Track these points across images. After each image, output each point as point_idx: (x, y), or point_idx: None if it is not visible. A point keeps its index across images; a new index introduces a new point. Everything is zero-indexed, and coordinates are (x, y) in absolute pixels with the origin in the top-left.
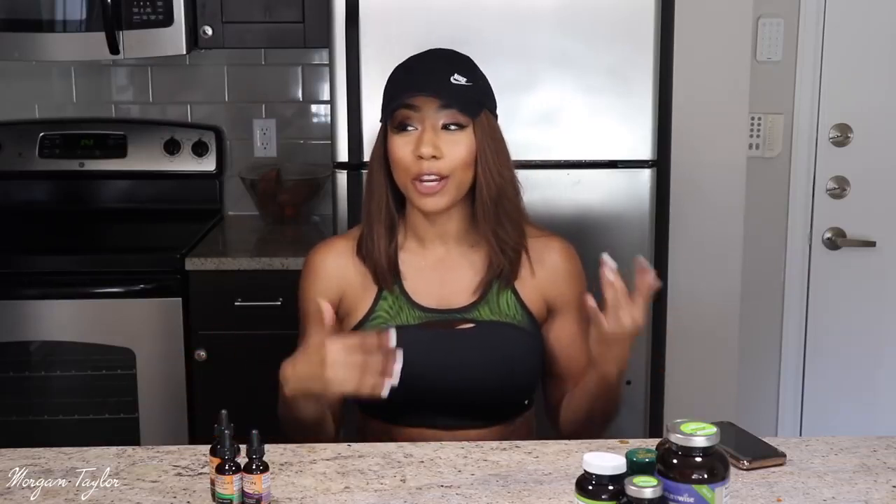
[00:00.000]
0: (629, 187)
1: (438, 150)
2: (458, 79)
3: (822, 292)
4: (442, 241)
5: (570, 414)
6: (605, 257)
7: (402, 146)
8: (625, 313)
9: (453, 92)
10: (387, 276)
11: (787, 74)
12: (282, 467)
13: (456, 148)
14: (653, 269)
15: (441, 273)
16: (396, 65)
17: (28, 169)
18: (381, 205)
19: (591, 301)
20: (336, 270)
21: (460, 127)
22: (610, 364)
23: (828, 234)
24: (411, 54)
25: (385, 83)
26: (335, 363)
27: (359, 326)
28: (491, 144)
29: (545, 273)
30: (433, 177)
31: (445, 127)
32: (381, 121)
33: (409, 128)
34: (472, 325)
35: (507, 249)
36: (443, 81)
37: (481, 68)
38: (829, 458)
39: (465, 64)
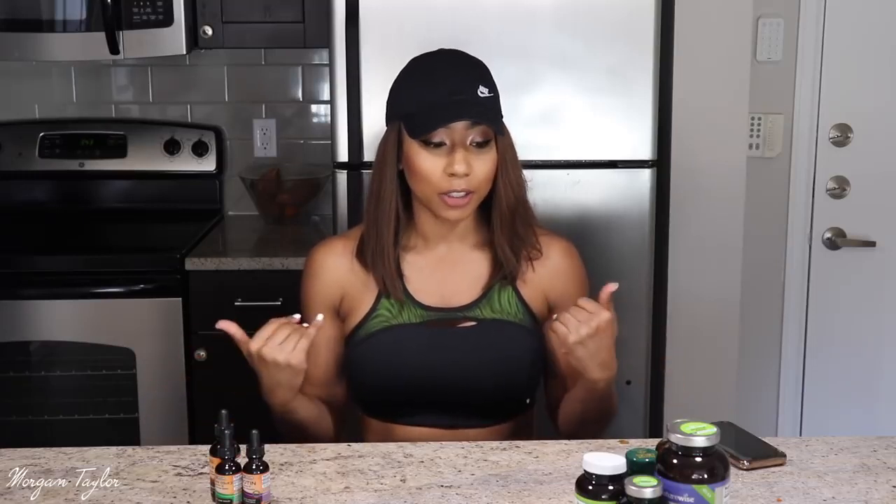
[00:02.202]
0: (629, 187)
1: (470, 167)
2: (484, 90)
3: (822, 292)
4: (446, 240)
5: (565, 416)
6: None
7: (430, 161)
8: (571, 322)
9: (483, 109)
10: (395, 284)
11: (787, 74)
12: (282, 467)
13: (483, 164)
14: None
15: (443, 272)
16: (411, 60)
17: (28, 169)
18: (391, 212)
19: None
20: (337, 271)
21: (487, 143)
22: (595, 370)
23: (828, 234)
24: (412, 54)
25: (400, 84)
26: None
27: (361, 325)
28: (511, 156)
29: (547, 272)
30: (462, 192)
31: (472, 143)
32: (390, 122)
33: (439, 143)
34: (473, 323)
35: (519, 253)
36: (473, 98)
37: None
38: (829, 458)
39: (484, 72)
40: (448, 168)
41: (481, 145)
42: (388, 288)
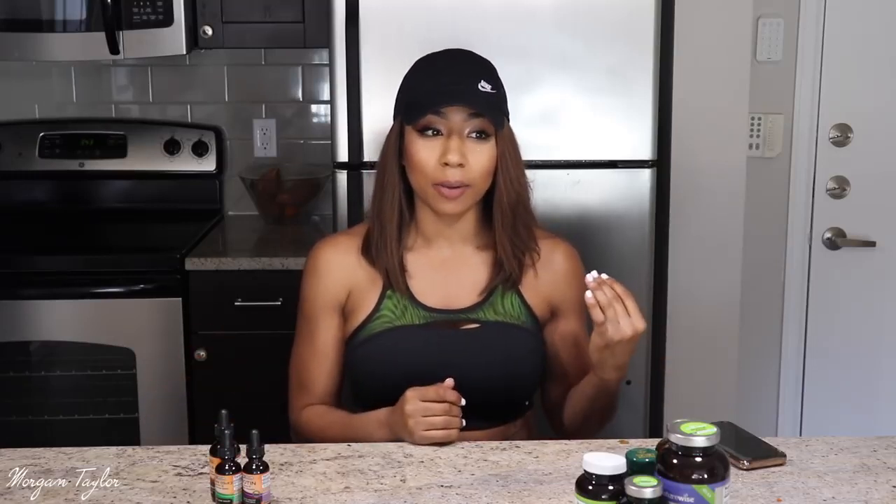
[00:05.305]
0: (629, 187)
1: (465, 158)
2: (485, 86)
3: (822, 292)
4: (449, 241)
5: (569, 415)
6: (588, 277)
7: (425, 150)
8: (625, 321)
9: (482, 101)
10: (399, 277)
11: (787, 74)
12: (282, 467)
13: (480, 157)
14: (597, 275)
15: (446, 273)
16: (419, 59)
17: (28, 169)
18: (395, 205)
19: (591, 303)
20: (342, 269)
21: (485, 136)
22: (610, 371)
23: (828, 234)
24: (411, 53)
25: (405, 79)
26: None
27: (364, 325)
28: (512, 153)
29: (549, 275)
30: (457, 184)
31: (470, 135)
32: (395, 118)
33: (434, 132)
34: (476, 325)
35: (519, 254)
36: (472, 89)
37: None
38: (829, 458)
39: (489, 69)
40: (442, 157)
41: (479, 138)
42: (392, 281)
